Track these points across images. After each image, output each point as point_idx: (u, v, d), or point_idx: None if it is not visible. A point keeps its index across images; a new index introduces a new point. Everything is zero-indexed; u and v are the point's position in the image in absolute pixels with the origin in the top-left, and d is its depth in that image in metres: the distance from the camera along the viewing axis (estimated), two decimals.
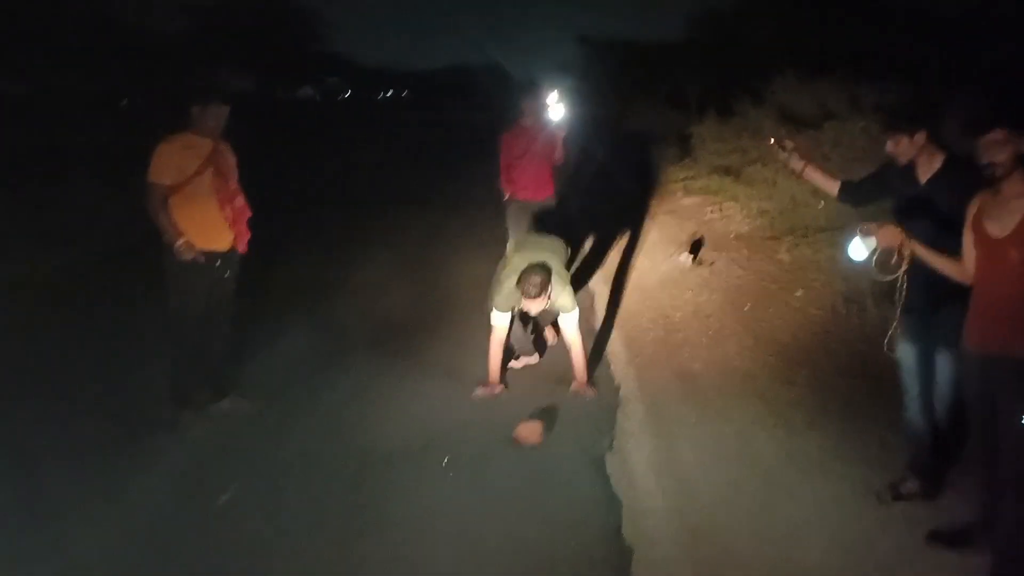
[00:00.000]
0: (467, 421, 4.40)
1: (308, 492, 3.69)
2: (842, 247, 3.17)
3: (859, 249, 3.08)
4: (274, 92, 33.63)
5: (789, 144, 3.83)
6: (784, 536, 3.27)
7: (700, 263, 7.49)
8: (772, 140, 3.95)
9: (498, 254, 5.68)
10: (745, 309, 6.14)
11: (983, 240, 2.84)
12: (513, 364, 5.19)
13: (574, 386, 4.74)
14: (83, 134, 13.75)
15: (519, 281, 4.50)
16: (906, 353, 3.46)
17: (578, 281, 6.98)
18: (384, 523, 3.42)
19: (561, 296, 4.66)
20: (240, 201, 4.40)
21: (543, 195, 6.43)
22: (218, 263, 4.31)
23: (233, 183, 4.38)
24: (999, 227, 2.78)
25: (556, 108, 6.43)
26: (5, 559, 3.10)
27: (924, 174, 3.31)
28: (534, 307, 4.56)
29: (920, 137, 3.27)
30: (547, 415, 4.39)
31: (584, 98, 20.74)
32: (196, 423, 4.33)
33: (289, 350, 5.50)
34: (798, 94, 10.71)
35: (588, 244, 8.42)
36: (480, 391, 4.73)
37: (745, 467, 3.82)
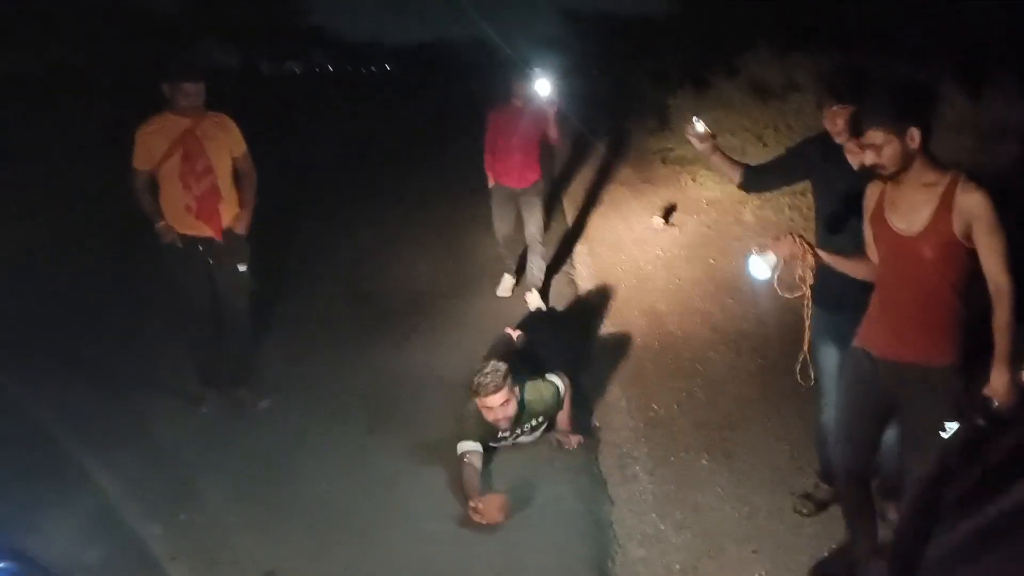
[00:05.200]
0: None
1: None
2: (743, 267, 2.84)
3: (759, 267, 2.72)
4: (259, 68, 33.88)
5: (706, 131, 3.27)
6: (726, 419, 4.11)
7: (672, 225, 8.16)
8: (695, 119, 3.30)
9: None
10: (710, 262, 6.83)
11: (889, 236, 2.51)
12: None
13: (558, 435, 4.11)
14: (68, 111, 13.22)
15: (472, 387, 3.79)
16: (827, 356, 3.12)
17: (560, 243, 7.67)
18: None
19: (537, 388, 3.99)
20: (206, 184, 4.11)
21: (528, 181, 6.03)
22: (201, 248, 4.19)
23: (202, 165, 4.09)
24: (907, 222, 2.45)
25: (542, 84, 5.86)
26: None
27: (857, 159, 2.76)
28: (498, 408, 3.74)
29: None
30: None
31: (569, 74, 21.03)
32: (220, 399, 4.49)
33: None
34: (769, 67, 11.35)
35: (570, 211, 9.12)
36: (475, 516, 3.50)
37: (697, 378, 4.63)
